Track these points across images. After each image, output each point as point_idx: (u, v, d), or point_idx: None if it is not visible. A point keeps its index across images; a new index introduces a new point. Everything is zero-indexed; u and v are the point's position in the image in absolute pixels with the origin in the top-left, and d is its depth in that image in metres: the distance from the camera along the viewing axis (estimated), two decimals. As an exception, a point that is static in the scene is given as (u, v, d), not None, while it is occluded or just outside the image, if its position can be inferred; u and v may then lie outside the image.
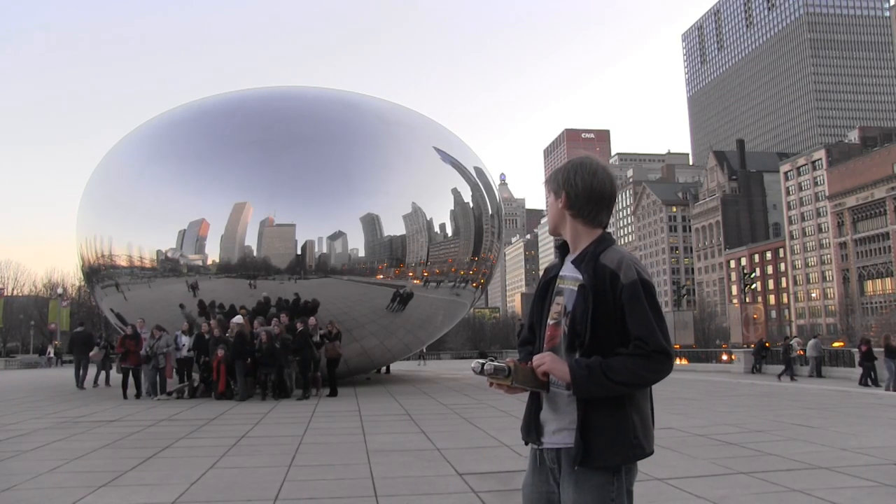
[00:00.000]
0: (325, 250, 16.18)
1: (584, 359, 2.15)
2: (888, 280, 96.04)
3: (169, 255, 16.53)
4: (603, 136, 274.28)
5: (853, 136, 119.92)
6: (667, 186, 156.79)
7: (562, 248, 2.42)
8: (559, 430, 2.23)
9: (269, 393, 14.55)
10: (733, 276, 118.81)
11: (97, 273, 18.44)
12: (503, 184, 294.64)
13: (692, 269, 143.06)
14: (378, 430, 9.41)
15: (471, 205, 18.58)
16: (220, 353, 14.32)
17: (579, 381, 2.12)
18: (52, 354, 43.07)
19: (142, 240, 16.84)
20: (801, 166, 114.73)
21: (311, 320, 14.99)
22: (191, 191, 16.84)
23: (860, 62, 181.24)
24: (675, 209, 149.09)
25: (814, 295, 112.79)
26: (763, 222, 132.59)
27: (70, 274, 70.52)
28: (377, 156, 17.76)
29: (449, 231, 18.11)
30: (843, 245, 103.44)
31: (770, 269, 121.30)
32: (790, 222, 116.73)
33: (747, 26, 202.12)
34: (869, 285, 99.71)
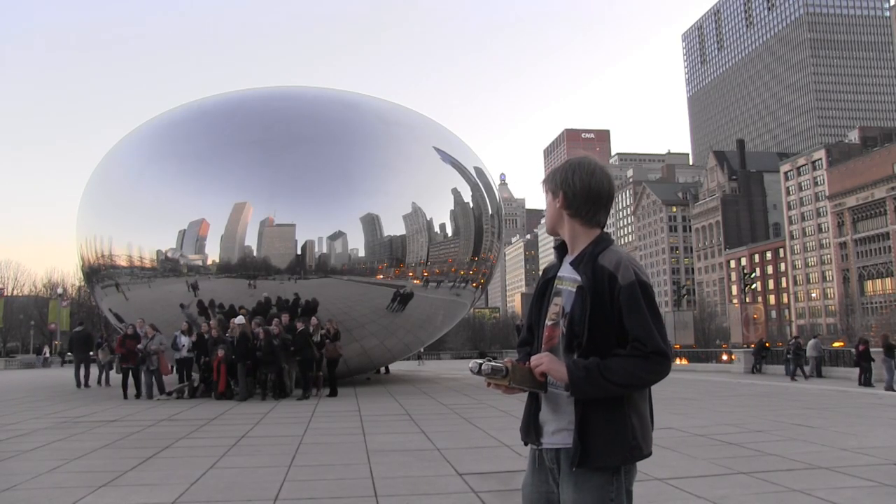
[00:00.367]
0: (325, 250, 16.18)
1: (581, 360, 2.16)
2: (888, 280, 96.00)
3: (169, 255, 16.54)
4: (603, 136, 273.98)
5: (853, 136, 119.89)
6: (667, 186, 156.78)
7: (560, 249, 2.43)
8: (558, 431, 2.24)
9: (269, 393, 14.55)
10: (733, 276, 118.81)
11: (97, 273, 18.45)
12: (503, 184, 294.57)
13: (692, 270, 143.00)
14: (378, 430, 9.41)
15: (471, 205, 18.58)
16: (221, 353, 14.32)
17: (577, 381, 2.13)
18: (47, 354, 43.12)
19: (142, 240, 16.85)
20: (801, 166, 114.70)
21: (313, 320, 15.01)
22: (191, 191, 16.86)
23: (860, 62, 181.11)
24: (675, 209, 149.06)
25: (814, 295, 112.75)
26: (763, 222, 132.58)
27: (70, 274, 70.68)
28: (377, 156, 17.77)
29: (449, 231, 18.11)
30: (843, 245, 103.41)
31: (770, 269, 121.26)
32: (790, 222, 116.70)
33: (747, 26, 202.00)
34: (869, 285, 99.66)
